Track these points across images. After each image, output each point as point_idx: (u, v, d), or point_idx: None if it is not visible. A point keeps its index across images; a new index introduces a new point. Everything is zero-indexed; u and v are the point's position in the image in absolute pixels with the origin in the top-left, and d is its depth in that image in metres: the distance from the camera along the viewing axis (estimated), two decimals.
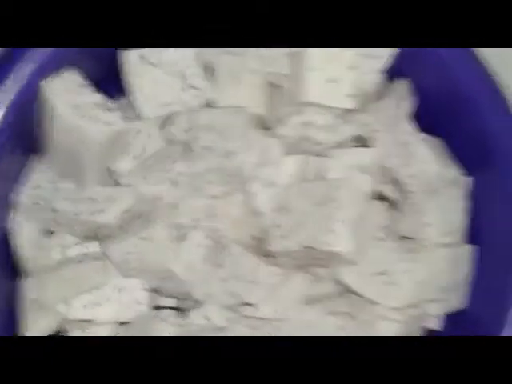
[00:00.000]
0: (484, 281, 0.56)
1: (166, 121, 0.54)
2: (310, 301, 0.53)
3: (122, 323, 0.53)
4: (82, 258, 0.53)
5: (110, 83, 0.55)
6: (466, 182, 0.56)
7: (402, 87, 0.55)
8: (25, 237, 0.54)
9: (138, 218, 0.52)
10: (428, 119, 0.56)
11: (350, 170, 0.54)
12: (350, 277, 0.52)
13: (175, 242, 0.52)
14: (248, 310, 0.51)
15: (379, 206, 0.56)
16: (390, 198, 0.57)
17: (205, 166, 0.51)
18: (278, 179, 0.52)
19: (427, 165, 0.54)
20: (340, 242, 0.50)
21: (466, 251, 0.56)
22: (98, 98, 0.51)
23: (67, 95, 0.51)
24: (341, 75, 0.53)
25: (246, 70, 0.53)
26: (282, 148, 0.53)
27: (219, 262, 0.52)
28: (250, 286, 0.51)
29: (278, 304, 0.51)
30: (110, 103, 0.53)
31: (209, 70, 0.54)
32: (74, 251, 0.54)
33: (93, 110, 0.51)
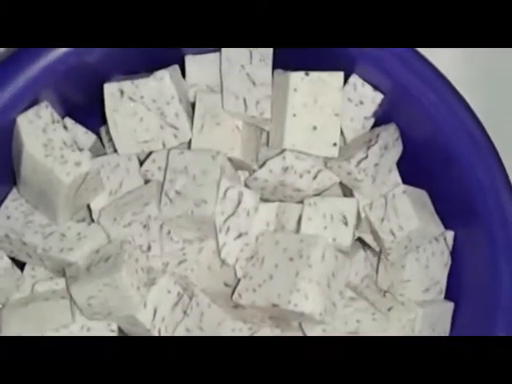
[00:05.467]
0: None
1: (145, 158, 0.50)
2: None
3: None
4: (49, 296, 0.49)
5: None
6: (447, 237, 0.51)
7: (389, 134, 0.50)
8: None
9: (104, 261, 0.47)
10: (412, 168, 0.51)
11: (329, 220, 0.49)
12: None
13: (142, 288, 0.47)
14: None
15: (361, 254, 0.52)
16: (371, 245, 0.52)
17: (176, 212, 0.47)
18: (251, 229, 0.48)
19: (408, 221, 0.49)
20: (306, 302, 0.45)
21: (446, 309, 0.51)
22: (68, 136, 0.47)
23: (38, 132, 0.47)
24: (325, 122, 0.49)
25: (226, 112, 0.49)
26: (256, 197, 0.48)
27: (186, 310, 0.48)
28: None
29: None
30: (84, 135, 0.50)
31: (189, 107, 0.50)
32: (43, 287, 0.50)
33: (62, 149, 0.46)
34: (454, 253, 0.52)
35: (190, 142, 0.49)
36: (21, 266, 0.51)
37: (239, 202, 0.47)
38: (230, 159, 0.49)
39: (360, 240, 0.52)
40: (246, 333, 0.47)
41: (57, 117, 0.47)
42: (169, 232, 0.48)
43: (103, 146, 0.53)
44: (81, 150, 0.47)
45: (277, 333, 0.48)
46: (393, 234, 0.49)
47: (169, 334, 0.48)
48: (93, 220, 0.50)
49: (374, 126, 0.52)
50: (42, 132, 0.46)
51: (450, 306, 0.51)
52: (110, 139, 0.51)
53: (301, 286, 0.46)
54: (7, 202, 0.50)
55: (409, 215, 0.49)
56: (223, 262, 0.48)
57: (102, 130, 0.53)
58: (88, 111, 0.52)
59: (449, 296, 0.52)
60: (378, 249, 0.52)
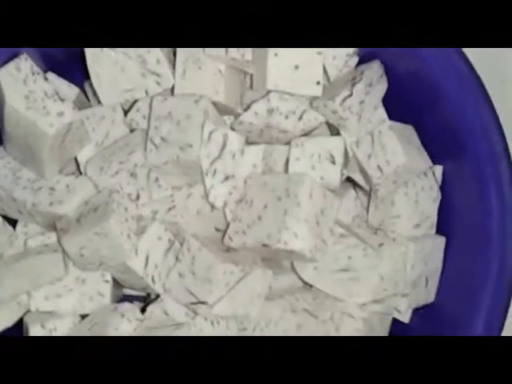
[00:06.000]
0: (452, 273, 0.51)
1: (129, 107, 0.50)
2: (273, 295, 0.49)
3: (83, 316, 0.50)
4: (42, 250, 0.49)
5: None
6: (436, 171, 0.51)
7: (373, 71, 0.50)
8: None
9: (94, 211, 0.47)
10: (398, 105, 0.51)
11: (317, 160, 0.49)
12: (309, 274, 0.48)
13: (133, 236, 0.47)
14: (202, 309, 0.47)
15: (351, 193, 0.51)
16: (360, 185, 0.52)
17: (162, 158, 0.47)
18: (238, 172, 0.48)
19: (395, 156, 0.48)
20: (295, 240, 0.45)
21: (438, 243, 0.51)
22: (49, 86, 0.47)
23: (19, 84, 0.46)
24: (307, 61, 0.48)
25: (207, 56, 0.48)
26: (241, 139, 0.48)
27: (178, 256, 0.48)
28: (206, 284, 0.46)
29: (235, 302, 0.47)
30: (66, 88, 0.50)
31: (170, 55, 0.49)
32: (35, 242, 0.50)
33: (43, 100, 0.46)
34: (444, 187, 0.51)
35: (172, 89, 0.49)
36: (13, 223, 0.51)
37: (224, 145, 0.47)
38: (214, 103, 0.48)
39: (350, 180, 0.52)
40: (237, 275, 0.47)
41: (37, 69, 0.47)
42: (156, 179, 0.48)
43: (88, 100, 0.53)
44: (62, 100, 0.46)
45: (269, 274, 0.48)
46: (380, 169, 0.49)
47: (162, 280, 0.48)
48: (81, 173, 0.50)
49: (359, 64, 0.51)
50: (22, 84, 0.46)
51: (442, 240, 0.51)
52: (95, 93, 0.50)
53: (290, 225, 0.45)
54: None
55: (395, 150, 0.48)
56: (212, 205, 0.47)
57: (86, 84, 0.53)
58: (71, 67, 0.51)
59: (440, 231, 0.52)
60: (367, 188, 0.51)
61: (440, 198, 0.51)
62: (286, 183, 0.47)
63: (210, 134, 0.47)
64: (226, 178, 0.47)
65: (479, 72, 0.48)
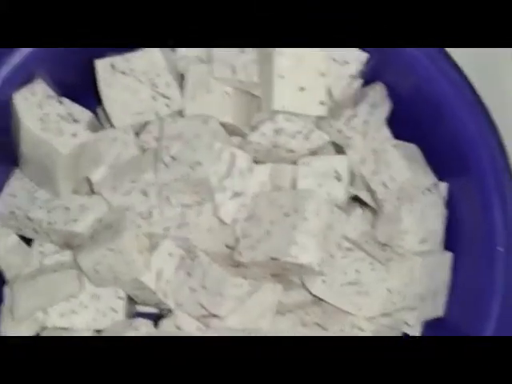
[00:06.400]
0: (460, 288, 0.52)
1: (140, 129, 0.52)
2: (283, 310, 0.50)
3: (98, 331, 0.51)
4: (57, 268, 0.50)
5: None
6: (441, 188, 0.52)
7: (376, 92, 0.51)
8: (3, 245, 0.52)
9: (107, 229, 0.49)
10: (403, 125, 0.52)
11: (323, 177, 0.50)
12: (318, 288, 0.49)
13: (145, 252, 0.49)
14: (214, 322, 0.48)
15: (358, 211, 0.53)
16: (367, 203, 0.53)
17: (172, 176, 0.48)
18: (247, 189, 0.49)
19: (399, 172, 0.50)
20: (304, 254, 0.46)
21: (445, 258, 0.52)
22: (63, 109, 0.48)
23: (34, 108, 0.48)
24: (311, 82, 0.50)
25: (215, 79, 0.50)
26: (249, 158, 0.49)
27: (190, 271, 0.49)
28: (217, 298, 0.47)
29: (246, 316, 0.48)
30: (80, 111, 0.50)
31: (179, 78, 0.51)
32: (51, 260, 0.51)
33: (58, 122, 0.48)
34: (450, 204, 0.52)
35: (181, 112, 0.51)
36: (29, 243, 0.53)
37: (233, 163, 0.48)
38: (222, 124, 0.50)
39: (357, 199, 0.53)
40: (248, 289, 0.48)
41: (51, 92, 0.49)
42: (168, 197, 0.49)
43: (101, 124, 0.55)
44: (76, 121, 0.48)
45: (279, 288, 0.49)
46: (385, 185, 0.50)
47: (174, 295, 0.49)
48: (94, 193, 0.51)
49: (363, 86, 0.53)
50: (37, 107, 0.48)
51: (449, 255, 0.52)
52: (107, 118, 0.52)
53: (298, 239, 0.47)
54: (11, 181, 0.52)
55: (400, 166, 0.50)
56: (221, 220, 0.49)
57: (99, 109, 0.54)
58: (84, 93, 0.53)
59: (448, 247, 0.53)
60: (374, 205, 0.53)
61: (445, 213, 0.52)
62: (294, 199, 0.48)
63: (219, 152, 0.48)
64: (235, 195, 0.49)
65: (477, 87, 0.50)
